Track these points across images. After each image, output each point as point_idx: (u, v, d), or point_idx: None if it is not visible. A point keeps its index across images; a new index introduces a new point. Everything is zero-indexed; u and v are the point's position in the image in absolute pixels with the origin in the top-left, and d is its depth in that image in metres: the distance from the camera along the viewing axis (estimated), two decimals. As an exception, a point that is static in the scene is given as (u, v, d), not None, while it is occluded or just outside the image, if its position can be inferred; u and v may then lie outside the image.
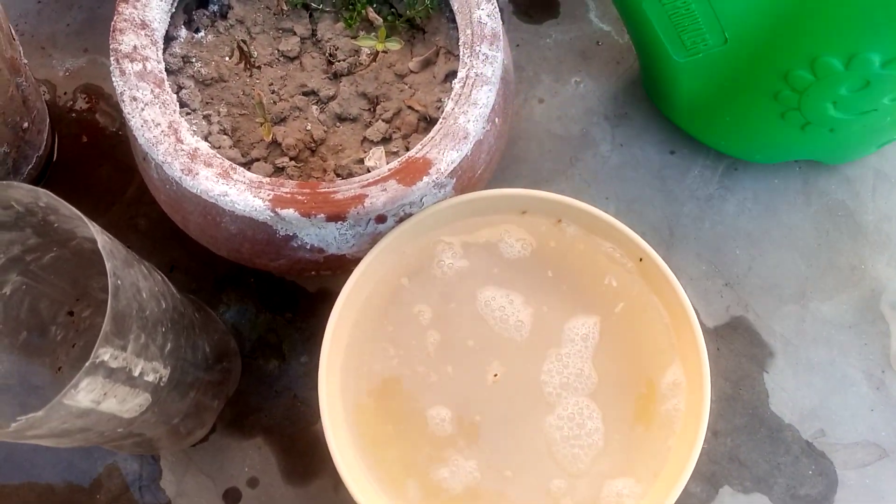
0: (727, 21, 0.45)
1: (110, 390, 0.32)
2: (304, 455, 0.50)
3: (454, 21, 0.44)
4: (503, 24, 0.62)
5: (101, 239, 0.31)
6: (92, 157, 0.56)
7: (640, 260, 0.42)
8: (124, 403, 0.34)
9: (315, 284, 0.54)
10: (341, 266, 0.44)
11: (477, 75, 0.41)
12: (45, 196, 0.32)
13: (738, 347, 0.54)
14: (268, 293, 0.53)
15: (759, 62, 0.47)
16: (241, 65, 0.45)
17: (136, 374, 0.33)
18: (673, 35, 0.47)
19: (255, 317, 0.53)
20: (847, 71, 0.43)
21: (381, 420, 0.40)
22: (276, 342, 0.52)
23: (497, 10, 0.43)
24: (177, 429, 0.43)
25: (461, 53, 0.42)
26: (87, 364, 0.29)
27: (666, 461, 0.39)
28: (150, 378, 0.35)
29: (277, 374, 0.52)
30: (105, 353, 0.30)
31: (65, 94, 0.57)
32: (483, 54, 0.42)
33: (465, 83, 0.41)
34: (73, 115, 0.56)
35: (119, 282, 0.30)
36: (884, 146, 0.56)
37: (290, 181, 0.39)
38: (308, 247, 0.42)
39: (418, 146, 0.40)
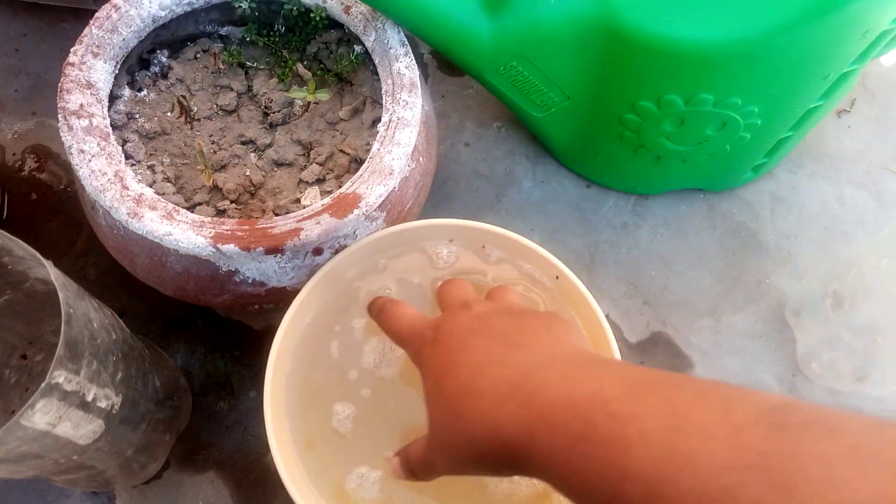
0: (561, 83, 0.52)
1: (65, 413, 0.34)
2: (257, 486, 0.52)
3: (377, 73, 0.49)
4: (428, 77, 0.68)
5: (54, 272, 0.33)
6: (41, 214, 0.58)
7: (557, 278, 0.46)
8: (78, 428, 0.36)
9: (261, 322, 0.56)
10: (283, 298, 0.47)
11: (399, 119, 0.46)
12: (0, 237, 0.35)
13: (660, 360, 0.58)
14: (216, 333, 0.56)
15: (600, 110, 0.54)
16: (182, 119, 0.49)
17: (90, 399, 0.35)
18: (524, 98, 0.54)
19: (204, 356, 0.55)
20: (661, 111, 0.50)
21: (332, 446, 0.43)
22: (226, 379, 0.55)
23: (413, 62, 0.47)
24: (129, 463, 0.45)
25: (384, 101, 0.47)
26: (42, 385, 0.31)
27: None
28: (102, 404, 0.37)
29: (227, 409, 0.54)
30: (59, 376, 0.32)
31: (14, 155, 0.60)
32: (403, 101, 0.47)
33: (388, 126, 0.46)
34: (23, 174, 0.59)
35: (71, 310, 0.33)
36: (765, 170, 0.63)
37: (231, 219, 0.42)
38: (250, 281, 0.45)
39: (349, 183, 0.44)
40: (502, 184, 0.64)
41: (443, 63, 0.68)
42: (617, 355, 0.43)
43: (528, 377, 0.28)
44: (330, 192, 0.47)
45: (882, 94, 0.70)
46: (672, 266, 0.62)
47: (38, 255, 0.34)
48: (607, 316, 0.58)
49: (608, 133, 0.56)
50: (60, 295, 0.33)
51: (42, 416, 0.33)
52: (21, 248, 0.35)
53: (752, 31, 0.44)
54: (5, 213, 0.57)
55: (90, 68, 0.45)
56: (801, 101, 0.52)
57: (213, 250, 0.41)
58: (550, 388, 0.27)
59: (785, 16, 0.43)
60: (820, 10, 0.43)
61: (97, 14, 0.46)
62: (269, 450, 0.38)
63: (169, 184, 0.47)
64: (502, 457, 0.28)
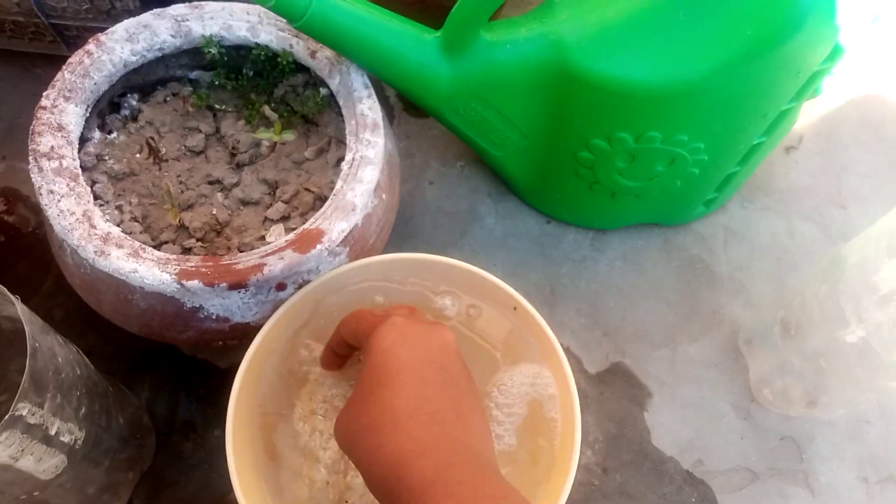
0: (518, 122, 0.55)
1: (28, 447, 0.34)
2: (221, 525, 0.52)
3: (342, 114, 0.51)
4: (393, 119, 0.70)
5: (20, 307, 0.34)
6: (9, 255, 0.59)
7: (515, 309, 0.48)
8: (41, 463, 0.36)
9: (225, 360, 0.57)
10: (246, 334, 0.48)
11: (362, 157, 0.48)
12: (-34, 274, 0.36)
13: (619, 390, 0.60)
14: (181, 372, 0.56)
15: (556, 148, 0.57)
16: (151, 160, 0.50)
17: (53, 432, 0.36)
18: (483, 137, 0.57)
19: (169, 395, 0.56)
20: (612, 148, 0.53)
21: (296, 483, 0.43)
22: (190, 418, 0.55)
23: (376, 103, 0.50)
24: (92, 501, 0.45)
25: (348, 140, 0.49)
26: (6, 417, 0.32)
27: (536, 497, 0.43)
28: (65, 439, 0.37)
29: (192, 448, 0.54)
30: (23, 409, 0.33)
31: (-18, 197, 0.61)
32: (366, 140, 0.48)
33: (351, 164, 0.47)
34: (-9, 216, 0.60)
35: (37, 344, 0.34)
36: (717, 205, 0.66)
37: (196, 256, 0.44)
38: (214, 317, 0.46)
39: (312, 219, 0.45)
40: (466, 220, 0.66)
41: (408, 105, 0.71)
42: (572, 385, 0.44)
43: (455, 454, 0.33)
44: (294, 229, 0.49)
45: (827, 131, 0.74)
46: (630, 298, 0.64)
47: (4, 290, 0.35)
48: (567, 348, 0.60)
49: (565, 170, 0.58)
50: (26, 328, 0.33)
51: (4, 448, 0.33)
52: (-13, 284, 0.36)
53: (694, 73, 0.47)
54: (-28, 255, 0.58)
55: (62, 111, 0.47)
56: (744, 138, 0.55)
57: (178, 286, 0.42)
58: (465, 482, 0.31)
59: (723, 58, 0.46)
60: (755, 52, 0.46)
61: (70, 59, 0.48)
62: (232, 489, 0.38)
63: (136, 223, 0.48)
64: (385, 484, 0.32)
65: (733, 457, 0.58)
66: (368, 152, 0.48)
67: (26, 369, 0.33)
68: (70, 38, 0.63)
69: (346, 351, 0.43)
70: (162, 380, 0.56)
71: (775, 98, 0.51)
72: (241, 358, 0.56)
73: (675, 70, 0.47)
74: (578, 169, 0.57)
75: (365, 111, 0.49)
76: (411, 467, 0.32)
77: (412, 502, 0.31)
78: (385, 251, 0.53)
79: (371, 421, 0.34)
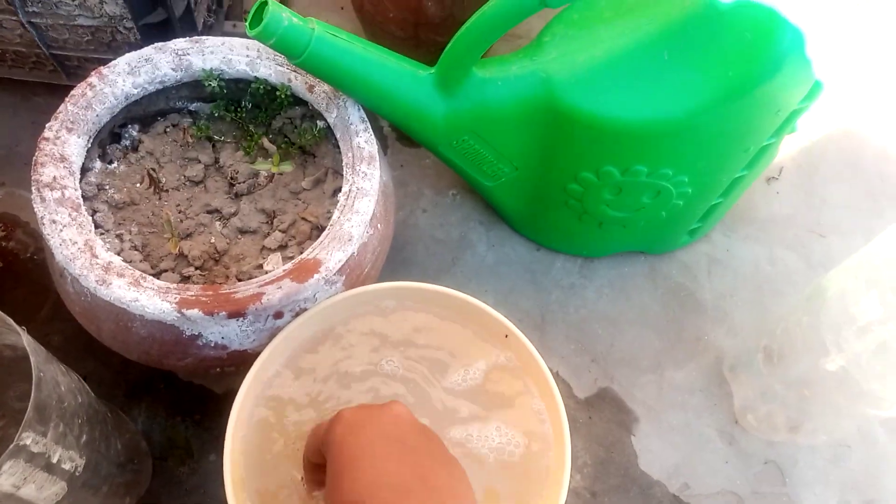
0: (509, 155, 0.57)
1: (30, 475, 0.35)
2: (215, 550, 0.53)
3: (339, 146, 0.52)
4: (387, 148, 0.71)
5: (26, 338, 0.35)
6: (7, 281, 0.59)
7: (506, 336, 0.49)
8: (42, 490, 0.37)
9: (222, 386, 0.58)
10: (244, 361, 0.48)
11: (358, 189, 0.49)
12: (-27, 305, 0.37)
13: (607, 415, 0.61)
14: (177, 397, 0.57)
15: (546, 180, 0.59)
16: (151, 189, 0.52)
17: (55, 460, 0.37)
18: (476, 168, 0.58)
19: (166, 420, 0.56)
20: (600, 181, 0.55)
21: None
22: (186, 443, 0.56)
23: (372, 136, 0.51)
24: (89, 527, 0.46)
25: (344, 172, 0.50)
26: (10, 447, 0.33)
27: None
28: (66, 466, 0.38)
29: (188, 473, 0.55)
30: (28, 438, 0.34)
31: (-19, 224, 0.62)
32: (363, 172, 0.50)
33: (348, 195, 0.49)
34: (-10, 242, 0.61)
35: (41, 374, 0.35)
36: (701, 234, 0.68)
37: (195, 285, 0.45)
38: (212, 344, 0.47)
39: (309, 249, 0.46)
40: (458, 248, 0.67)
41: (401, 135, 0.73)
42: (562, 410, 0.46)
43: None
44: (292, 258, 0.50)
45: (807, 163, 0.76)
46: (617, 324, 0.65)
47: (10, 321, 0.36)
48: (557, 373, 0.62)
49: (554, 201, 0.60)
50: (32, 360, 0.34)
51: (8, 477, 0.34)
52: (-7, 314, 0.37)
53: (678, 111, 0.49)
54: (-29, 280, 0.58)
55: (64, 143, 0.48)
56: (726, 172, 0.57)
57: (178, 315, 0.43)
58: None
59: (706, 98, 0.48)
60: (736, 92, 0.48)
61: (73, 91, 0.49)
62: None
63: (136, 252, 0.49)
64: None
65: (719, 481, 0.59)
66: (364, 184, 0.49)
67: (31, 399, 0.34)
68: (70, 69, 0.64)
69: (319, 472, 0.41)
70: (158, 405, 0.56)
71: (756, 135, 0.53)
72: (237, 383, 0.56)
73: (660, 108, 0.49)
74: (567, 200, 0.59)
75: (361, 144, 0.51)
76: None
77: None
78: (379, 278, 0.55)
79: None
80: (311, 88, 0.53)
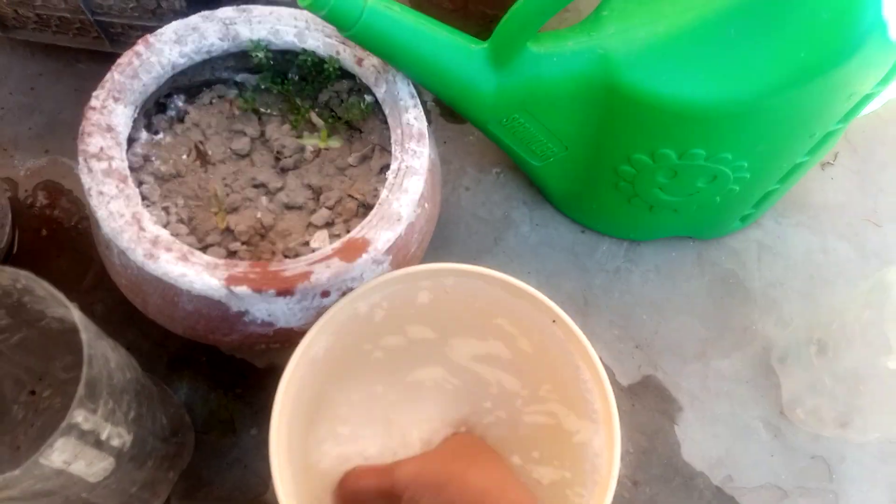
0: (560, 135, 0.55)
1: (80, 452, 0.35)
2: (255, 524, 0.53)
3: (387, 122, 0.51)
4: (430, 124, 0.70)
5: (77, 313, 0.35)
6: (51, 250, 0.59)
7: (553, 321, 0.48)
8: (91, 466, 0.37)
9: (263, 360, 0.58)
10: (289, 339, 0.48)
11: (407, 167, 0.48)
12: (24, 278, 0.36)
13: (650, 403, 0.60)
14: (218, 371, 0.57)
15: (596, 161, 0.57)
16: (197, 162, 0.51)
17: (104, 437, 0.36)
18: (524, 148, 0.56)
19: (207, 393, 0.56)
20: (655, 164, 0.53)
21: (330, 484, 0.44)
22: (227, 417, 0.56)
23: (422, 113, 0.50)
24: (132, 500, 0.46)
25: (393, 149, 0.49)
26: (62, 424, 0.32)
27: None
28: (115, 443, 0.38)
29: (229, 447, 0.55)
30: (79, 416, 0.33)
31: (25, 191, 0.61)
32: (412, 150, 0.49)
33: (397, 174, 0.48)
34: (34, 210, 0.61)
35: (92, 351, 0.34)
36: (752, 220, 0.65)
37: (243, 262, 0.44)
38: (259, 321, 0.46)
39: (357, 228, 0.45)
40: (500, 227, 0.66)
41: (445, 110, 0.71)
42: (611, 397, 0.45)
43: (498, 481, 0.40)
44: (338, 236, 0.49)
45: (863, 148, 0.74)
46: (662, 311, 0.64)
47: (61, 296, 0.35)
48: (600, 359, 0.60)
49: (604, 182, 0.58)
50: (83, 336, 0.34)
51: (60, 454, 0.34)
52: (44, 288, 0.36)
53: (744, 93, 0.47)
54: (16, 248, 0.58)
55: (111, 112, 0.47)
56: (788, 157, 0.55)
57: (226, 291, 0.43)
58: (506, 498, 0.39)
59: (774, 79, 0.46)
60: (808, 74, 0.46)
61: (119, 60, 0.48)
62: (268, 488, 0.39)
63: (182, 225, 0.48)
64: None
65: (763, 474, 0.58)
66: (413, 162, 0.48)
67: (83, 377, 0.33)
68: (114, 35, 0.63)
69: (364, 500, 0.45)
70: (200, 378, 0.56)
71: (824, 120, 0.51)
72: (280, 358, 0.56)
73: (723, 89, 0.47)
74: (618, 182, 0.57)
75: (411, 121, 0.49)
76: None
77: None
78: (423, 258, 0.54)
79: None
80: (359, 62, 0.51)
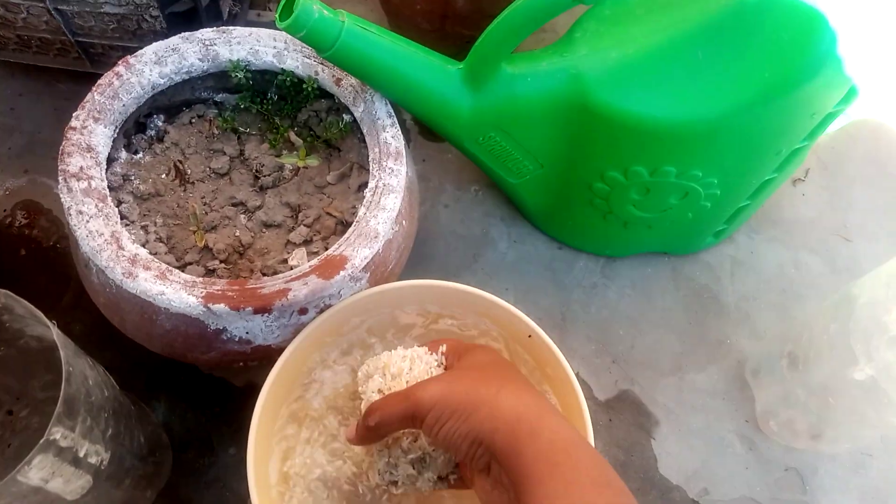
0: (535, 153, 0.56)
1: (58, 469, 0.35)
2: (233, 543, 0.53)
3: (364, 141, 0.52)
4: (409, 142, 0.71)
5: (56, 331, 0.35)
6: (29, 269, 0.59)
7: (529, 336, 0.48)
8: (69, 484, 0.37)
9: (242, 379, 0.58)
10: (267, 356, 0.48)
11: (385, 185, 0.49)
12: (3, 296, 0.36)
13: (627, 417, 0.61)
14: (197, 390, 0.57)
15: (571, 178, 0.58)
16: (177, 181, 0.51)
17: (82, 454, 0.36)
18: (501, 165, 0.58)
19: (185, 413, 0.56)
20: (627, 181, 0.54)
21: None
22: (205, 436, 0.56)
23: (399, 132, 0.51)
24: (110, 519, 0.46)
25: (371, 168, 0.50)
26: (41, 441, 0.32)
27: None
28: (92, 460, 0.38)
29: (207, 466, 0.55)
30: (57, 433, 0.34)
31: (4, 211, 0.61)
32: (389, 168, 0.49)
33: (374, 192, 0.48)
34: (12, 230, 0.61)
35: (71, 368, 0.35)
36: (725, 235, 0.67)
37: (221, 280, 0.44)
38: (237, 339, 0.46)
39: (336, 245, 0.46)
40: (479, 244, 0.67)
41: (424, 129, 0.72)
42: (586, 411, 0.45)
43: (532, 406, 0.36)
44: (316, 253, 0.49)
45: (833, 165, 0.75)
46: (638, 326, 0.65)
47: (40, 314, 0.35)
48: (577, 374, 0.61)
49: (579, 199, 0.59)
50: (62, 353, 0.34)
51: (37, 471, 0.34)
52: (23, 307, 0.36)
53: (712, 111, 0.48)
54: (-7, 268, 0.58)
55: (91, 132, 0.47)
56: (757, 174, 0.56)
57: (204, 309, 0.43)
58: (545, 426, 0.34)
59: (740, 98, 0.48)
60: (771, 93, 0.47)
61: (99, 81, 0.49)
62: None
63: (161, 244, 0.48)
64: (480, 416, 0.35)
65: (738, 487, 0.59)
66: (391, 180, 0.49)
67: (61, 394, 0.33)
68: (95, 56, 0.64)
69: (372, 436, 0.40)
70: (178, 397, 0.56)
71: (790, 137, 0.52)
72: (258, 377, 0.56)
73: (692, 108, 0.49)
74: (593, 199, 0.58)
75: (388, 139, 0.50)
76: (546, 419, 0.35)
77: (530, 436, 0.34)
78: (401, 275, 0.54)
79: (499, 378, 0.37)
80: (338, 81, 0.52)
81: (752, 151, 0.52)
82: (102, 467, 0.39)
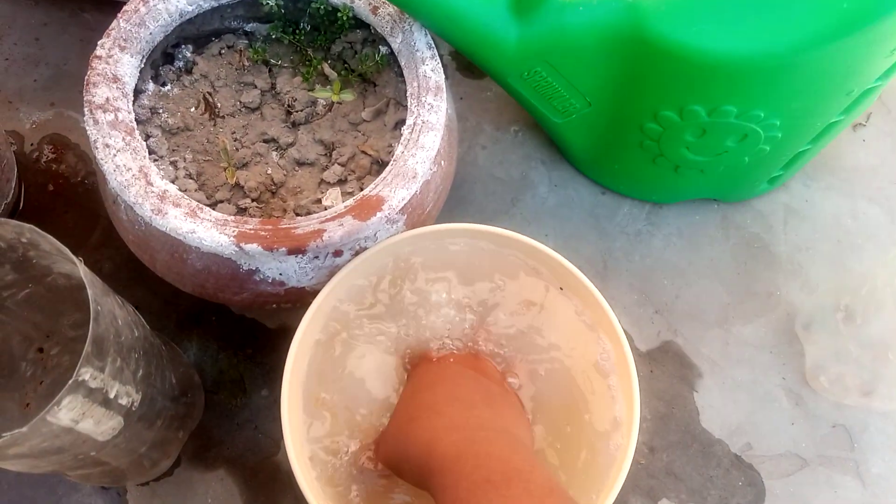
0: (584, 89, 0.52)
1: (88, 410, 0.34)
2: (266, 485, 0.52)
3: (402, 75, 0.49)
4: (447, 78, 0.67)
5: (83, 268, 0.33)
6: (57, 205, 0.58)
7: (561, 289, 0.46)
8: (99, 425, 0.36)
9: (274, 321, 0.56)
10: (300, 298, 0.47)
11: (423, 122, 0.46)
12: (28, 231, 0.35)
13: (669, 369, 0.59)
14: (229, 330, 0.56)
15: (621, 118, 0.54)
16: (206, 115, 0.49)
17: (112, 395, 0.35)
18: (546, 103, 0.54)
19: (217, 353, 0.55)
20: (683, 121, 0.50)
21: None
22: (238, 377, 0.55)
23: (440, 65, 0.47)
24: (142, 459, 0.45)
25: (409, 103, 0.47)
26: (69, 382, 0.31)
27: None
28: (123, 402, 0.37)
29: (239, 407, 0.54)
30: (86, 373, 0.32)
31: (32, 145, 0.60)
32: (428, 104, 0.47)
33: (413, 129, 0.46)
34: (40, 165, 0.59)
35: (99, 307, 0.33)
36: (780, 182, 0.63)
37: (254, 219, 0.42)
38: (270, 280, 0.45)
39: (372, 185, 0.44)
40: (518, 188, 0.64)
41: (462, 65, 0.68)
42: (631, 362, 0.44)
43: (484, 430, 0.36)
44: (351, 194, 0.47)
45: (897, 109, 0.71)
46: (684, 276, 0.62)
47: (66, 251, 0.34)
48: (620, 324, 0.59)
49: (628, 141, 0.56)
50: (89, 292, 0.33)
51: (67, 412, 0.33)
52: (49, 242, 0.35)
53: (781, 46, 0.44)
54: (22, 204, 0.57)
55: (117, 62, 0.45)
56: (822, 116, 0.52)
57: (236, 249, 0.41)
58: (493, 455, 0.33)
59: (814, 32, 0.43)
60: (850, 26, 0.43)
61: (125, 7, 0.46)
62: (280, 449, 0.38)
63: (191, 180, 0.47)
64: (420, 463, 0.35)
65: (783, 442, 0.57)
66: (430, 117, 0.46)
67: (89, 334, 0.32)
68: (120, -17, 0.61)
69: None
70: (210, 337, 0.55)
71: (863, 76, 0.48)
72: (291, 319, 0.55)
73: (760, 42, 0.45)
74: (643, 141, 0.55)
75: (428, 73, 0.47)
76: (443, 441, 0.35)
77: (444, 472, 0.33)
78: (438, 218, 0.52)
79: (411, 413, 0.39)
80: (374, 10, 0.49)
81: (821, 91, 0.48)
82: (133, 408, 0.39)
